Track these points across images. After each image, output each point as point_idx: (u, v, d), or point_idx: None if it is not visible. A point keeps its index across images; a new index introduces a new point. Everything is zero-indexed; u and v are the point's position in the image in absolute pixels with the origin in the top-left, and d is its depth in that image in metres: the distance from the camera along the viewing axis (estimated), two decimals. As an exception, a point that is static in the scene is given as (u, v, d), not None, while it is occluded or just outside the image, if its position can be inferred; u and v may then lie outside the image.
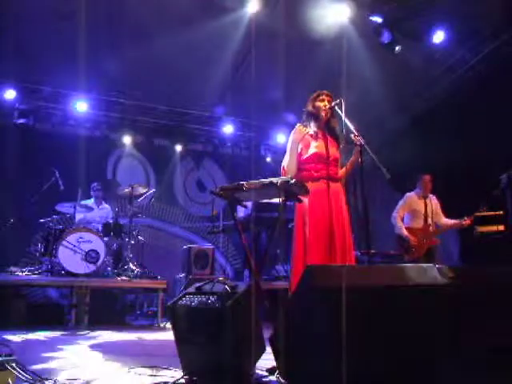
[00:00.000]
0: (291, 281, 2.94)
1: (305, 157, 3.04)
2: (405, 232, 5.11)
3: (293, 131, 3.15)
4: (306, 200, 2.89)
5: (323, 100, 3.11)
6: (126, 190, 6.00)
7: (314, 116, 3.11)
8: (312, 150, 3.02)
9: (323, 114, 3.09)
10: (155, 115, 7.95)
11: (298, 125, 3.16)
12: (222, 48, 5.89)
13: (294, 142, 3.08)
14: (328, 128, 3.14)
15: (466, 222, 5.03)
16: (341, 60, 5.85)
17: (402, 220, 5.26)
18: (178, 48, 5.67)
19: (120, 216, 5.95)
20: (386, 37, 5.73)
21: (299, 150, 3.06)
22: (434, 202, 5.25)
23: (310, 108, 3.14)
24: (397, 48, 5.77)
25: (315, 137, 3.07)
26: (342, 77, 5.76)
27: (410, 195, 5.30)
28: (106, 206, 6.41)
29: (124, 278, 5.34)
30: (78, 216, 5.96)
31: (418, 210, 5.19)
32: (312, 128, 3.10)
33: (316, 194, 2.92)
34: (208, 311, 2.19)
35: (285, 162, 3.09)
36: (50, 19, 5.37)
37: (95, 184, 6.38)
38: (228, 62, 6.18)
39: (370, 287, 1.79)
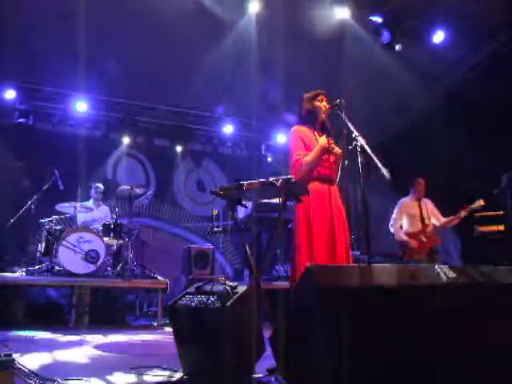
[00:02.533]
0: (294, 281, 2.93)
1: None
2: (403, 236, 5.13)
3: (296, 130, 3.08)
4: (308, 200, 2.88)
5: (322, 100, 3.09)
6: (126, 189, 5.99)
7: (314, 116, 3.10)
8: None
9: (323, 114, 3.08)
10: (155, 115, 7.95)
11: (299, 126, 3.13)
12: (223, 48, 5.89)
13: (305, 140, 3.00)
14: (324, 129, 3.12)
15: (463, 213, 5.00)
16: (341, 60, 5.86)
17: (401, 226, 5.28)
18: (178, 48, 5.68)
19: (120, 216, 5.95)
20: (385, 37, 5.74)
21: (308, 147, 3.00)
22: (428, 204, 5.26)
23: (309, 107, 3.10)
24: (397, 47, 5.78)
25: (317, 137, 3.07)
26: (343, 76, 5.76)
27: (404, 200, 5.34)
28: (105, 206, 6.39)
29: (124, 277, 5.34)
30: (80, 217, 5.96)
31: (413, 213, 5.21)
32: (312, 128, 3.09)
33: (318, 193, 2.92)
34: (208, 311, 2.19)
35: (303, 158, 2.93)
36: (50, 19, 5.37)
37: (96, 185, 6.33)
38: (228, 62, 6.17)
39: (370, 287, 1.79)
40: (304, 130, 3.08)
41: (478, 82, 6.10)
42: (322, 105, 3.07)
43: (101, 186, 6.35)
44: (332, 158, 3.02)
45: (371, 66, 6.05)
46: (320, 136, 3.05)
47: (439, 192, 5.51)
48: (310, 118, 3.10)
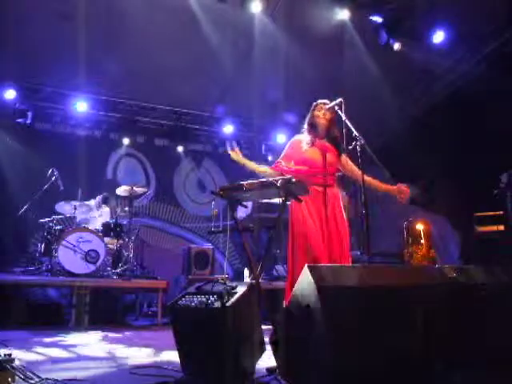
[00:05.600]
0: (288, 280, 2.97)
1: (294, 158, 3.09)
2: None
3: (292, 140, 3.24)
4: (300, 204, 2.89)
5: (321, 109, 3.16)
6: (126, 190, 5.99)
7: (314, 127, 3.18)
8: (301, 157, 3.07)
9: (322, 122, 3.13)
10: (155, 115, 7.96)
11: (296, 136, 3.24)
12: (223, 47, 5.89)
13: (291, 150, 3.17)
14: (329, 137, 3.15)
15: None
16: (340, 60, 5.86)
17: None
18: (178, 47, 5.68)
19: (120, 216, 5.94)
20: (384, 37, 5.74)
21: (295, 158, 3.11)
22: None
23: (309, 119, 3.21)
24: (396, 46, 5.78)
25: (312, 146, 3.10)
26: (342, 77, 5.76)
27: None
28: (106, 207, 6.38)
29: (124, 277, 5.34)
30: (80, 216, 5.96)
31: None
32: (311, 138, 3.14)
33: (309, 199, 2.93)
34: (208, 311, 2.19)
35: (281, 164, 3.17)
36: (50, 19, 5.37)
37: (104, 194, 6.24)
38: (228, 62, 6.17)
39: (370, 287, 1.79)
40: (298, 140, 3.19)
41: (477, 81, 6.09)
42: (321, 113, 3.15)
43: (109, 196, 6.29)
44: (329, 165, 3.03)
45: (370, 66, 6.05)
46: (322, 144, 3.11)
47: (438, 192, 5.50)
48: (311, 128, 3.19)
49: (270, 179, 2.60)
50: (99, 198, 6.23)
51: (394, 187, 3.03)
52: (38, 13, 5.29)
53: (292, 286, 2.83)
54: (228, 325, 2.13)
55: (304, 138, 3.19)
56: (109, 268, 5.56)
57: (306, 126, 3.24)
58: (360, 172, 2.92)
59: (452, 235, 6.38)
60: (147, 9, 5.32)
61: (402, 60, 5.95)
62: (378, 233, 6.34)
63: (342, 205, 3.08)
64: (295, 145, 3.18)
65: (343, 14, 5.61)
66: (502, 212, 5.14)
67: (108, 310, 5.25)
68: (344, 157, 3.15)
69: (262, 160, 8.88)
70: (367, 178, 3.00)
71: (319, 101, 3.21)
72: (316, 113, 3.17)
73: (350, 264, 3.02)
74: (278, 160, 3.19)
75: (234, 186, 2.68)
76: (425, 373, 1.77)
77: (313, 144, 3.12)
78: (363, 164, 2.84)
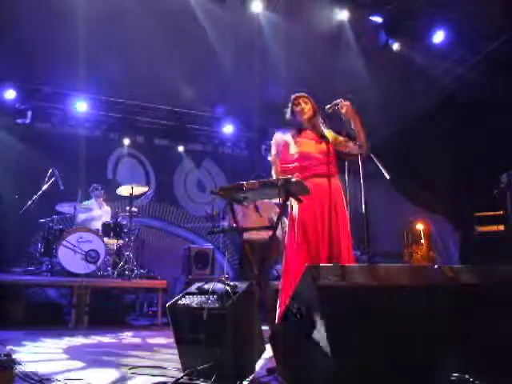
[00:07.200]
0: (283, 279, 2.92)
1: (288, 160, 3.05)
2: None
3: (274, 136, 3.21)
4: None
5: (299, 104, 3.15)
6: (126, 189, 5.99)
7: (295, 121, 3.16)
8: (294, 152, 3.04)
9: (302, 116, 3.12)
10: (155, 115, 7.96)
11: (276, 133, 3.22)
12: (223, 47, 5.89)
13: (274, 149, 3.15)
14: (313, 127, 3.13)
15: None
16: (339, 60, 5.86)
17: None
18: (178, 47, 5.69)
19: (120, 216, 5.95)
20: (383, 37, 5.75)
21: (280, 156, 3.09)
22: None
23: (289, 114, 3.19)
24: (395, 47, 5.79)
25: (297, 139, 3.09)
26: (341, 77, 5.76)
27: None
28: (107, 207, 6.39)
29: (124, 277, 5.34)
30: (80, 216, 5.96)
31: None
32: (294, 131, 3.13)
33: (312, 191, 2.89)
34: (208, 311, 2.19)
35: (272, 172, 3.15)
36: (50, 19, 5.37)
37: (94, 185, 6.33)
38: (228, 62, 6.17)
39: (370, 287, 1.79)
40: (284, 140, 3.14)
41: (477, 82, 6.10)
42: (300, 108, 3.13)
43: (98, 184, 6.32)
44: (317, 155, 2.99)
45: (370, 66, 6.05)
46: (307, 135, 3.09)
47: (438, 192, 5.49)
48: (293, 123, 3.18)
49: (270, 179, 2.60)
50: (92, 191, 6.24)
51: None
52: (38, 13, 5.28)
53: (289, 280, 2.79)
54: (228, 325, 2.13)
55: (288, 135, 3.14)
56: (109, 268, 5.56)
57: (289, 118, 3.20)
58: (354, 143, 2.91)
59: (452, 235, 6.38)
60: (147, 9, 5.31)
61: (401, 60, 5.95)
62: (377, 232, 6.35)
63: (343, 198, 3.02)
64: (285, 145, 3.12)
65: (343, 15, 5.61)
66: (501, 212, 5.14)
67: (108, 310, 5.25)
68: (334, 135, 3.08)
69: (262, 160, 8.89)
70: (350, 145, 2.94)
71: (294, 95, 3.18)
72: (295, 108, 3.15)
73: (353, 259, 2.96)
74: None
75: (233, 186, 2.67)
76: (425, 373, 1.77)
77: (300, 137, 3.09)
78: (363, 164, 2.83)
